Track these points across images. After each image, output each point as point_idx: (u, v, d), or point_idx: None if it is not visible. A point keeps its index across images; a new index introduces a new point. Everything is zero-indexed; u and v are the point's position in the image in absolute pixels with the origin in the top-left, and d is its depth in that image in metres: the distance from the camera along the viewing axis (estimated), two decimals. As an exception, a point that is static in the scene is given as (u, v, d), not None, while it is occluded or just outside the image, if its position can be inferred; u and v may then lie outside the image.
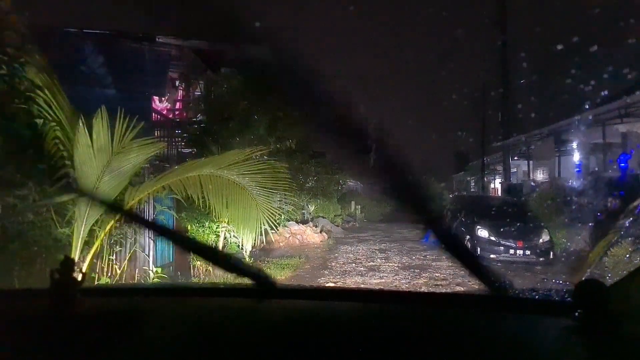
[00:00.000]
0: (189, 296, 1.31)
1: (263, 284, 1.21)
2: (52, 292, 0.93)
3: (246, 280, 1.21)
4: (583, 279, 0.99)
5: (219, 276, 9.10)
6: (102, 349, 0.83)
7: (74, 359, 0.80)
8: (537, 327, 0.96)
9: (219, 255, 1.50)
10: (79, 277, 0.97)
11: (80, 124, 4.23)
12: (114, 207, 3.31)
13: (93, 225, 4.44)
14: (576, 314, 0.91)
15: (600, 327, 0.87)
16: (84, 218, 4.26)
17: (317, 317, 1.07)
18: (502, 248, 11.24)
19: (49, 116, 4.19)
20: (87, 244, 4.55)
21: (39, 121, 4.22)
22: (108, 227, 4.65)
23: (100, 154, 4.30)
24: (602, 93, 15.66)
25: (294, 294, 1.34)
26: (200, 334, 0.94)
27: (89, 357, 0.81)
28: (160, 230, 1.86)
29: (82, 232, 4.26)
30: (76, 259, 4.29)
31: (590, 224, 11.53)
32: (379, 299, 1.31)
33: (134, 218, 2.25)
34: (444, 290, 7.81)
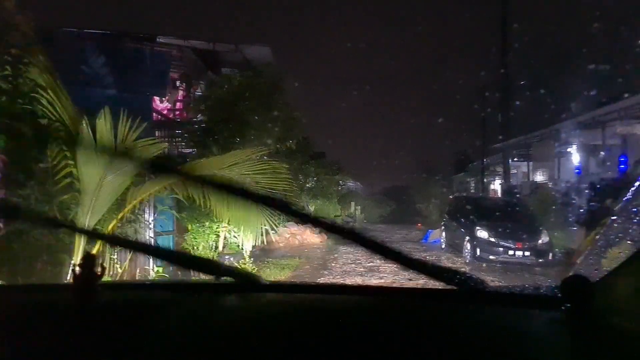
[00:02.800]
0: (203, 291, 1.37)
1: (248, 281, 1.27)
2: (76, 286, 0.99)
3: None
4: (570, 274, 1.04)
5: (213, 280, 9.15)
6: (122, 338, 0.88)
7: (98, 347, 0.85)
8: (527, 320, 1.01)
9: (198, 260, 1.56)
10: (99, 272, 1.03)
11: (84, 124, 4.28)
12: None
13: (96, 224, 4.49)
14: (563, 307, 0.97)
15: (585, 319, 0.93)
16: (86, 217, 4.30)
17: (308, 309, 1.13)
18: (501, 249, 11.29)
19: (52, 116, 4.23)
20: (89, 243, 4.59)
21: (43, 121, 4.26)
22: (110, 226, 4.69)
23: (103, 154, 4.34)
24: (602, 95, 15.71)
25: (281, 289, 1.40)
26: (213, 325, 0.99)
27: (111, 345, 0.86)
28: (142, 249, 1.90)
29: (84, 231, 4.30)
30: (78, 258, 4.34)
31: (589, 225, 11.57)
32: (370, 292, 1.36)
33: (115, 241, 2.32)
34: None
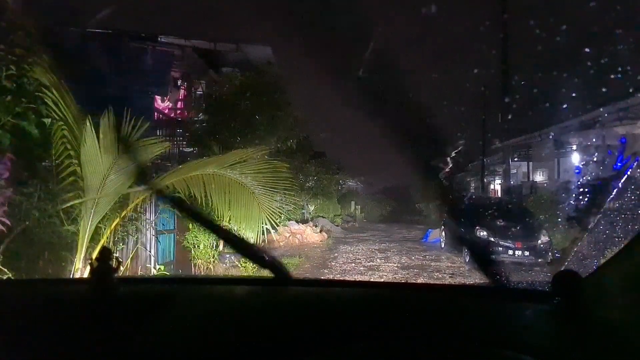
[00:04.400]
0: (212, 284, 1.42)
1: (281, 274, 1.32)
2: (94, 279, 1.03)
3: (266, 272, 1.32)
4: (561, 269, 1.09)
5: (221, 274, 9.20)
6: (141, 328, 0.93)
7: (117, 337, 0.90)
8: (521, 312, 1.07)
9: (247, 246, 1.62)
10: (115, 265, 1.07)
11: (88, 124, 4.32)
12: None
13: (99, 222, 4.53)
14: (554, 301, 1.02)
15: (575, 312, 0.98)
16: (90, 215, 4.35)
17: (327, 301, 1.18)
18: (501, 249, 11.31)
19: (56, 115, 4.28)
20: (92, 241, 4.63)
21: (47, 120, 4.31)
22: (113, 225, 4.74)
23: (106, 153, 4.39)
24: (602, 95, 15.74)
25: (306, 284, 1.46)
26: (222, 316, 1.05)
27: (130, 335, 0.91)
28: (202, 220, 2.10)
29: (88, 230, 4.35)
30: (81, 256, 4.38)
31: (583, 223, 11.63)
32: (383, 287, 1.42)
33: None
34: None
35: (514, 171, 24.40)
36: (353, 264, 11.48)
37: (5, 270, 3.94)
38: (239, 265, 9.68)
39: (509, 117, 20.61)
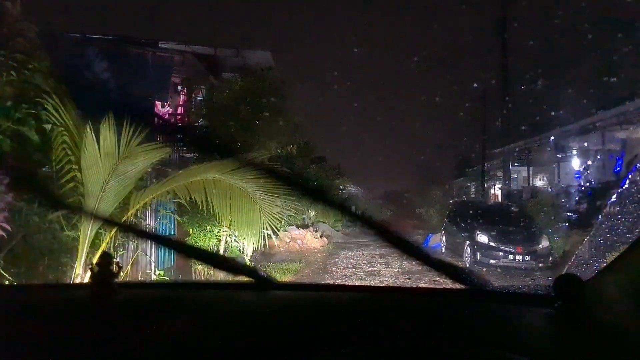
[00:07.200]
0: (213, 289, 1.42)
1: (262, 281, 1.32)
2: (94, 284, 1.03)
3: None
4: (562, 273, 1.09)
5: (221, 279, 9.19)
6: (141, 333, 0.93)
7: (117, 342, 0.90)
8: (522, 316, 1.07)
9: (219, 258, 1.62)
10: (115, 271, 1.07)
11: (88, 129, 4.33)
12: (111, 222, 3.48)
13: (99, 228, 4.53)
14: (556, 305, 1.02)
15: (576, 315, 0.98)
16: (90, 221, 4.34)
17: (313, 305, 1.18)
18: (501, 254, 11.31)
19: (57, 121, 4.28)
20: (92, 246, 4.63)
21: (47, 126, 4.31)
22: (114, 231, 4.73)
23: (107, 158, 4.39)
24: (602, 100, 15.78)
25: (306, 288, 1.46)
26: (222, 322, 1.05)
27: (130, 340, 0.91)
28: (160, 240, 2.14)
29: (88, 235, 4.35)
30: (82, 262, 4.38)
31: (583, 227, 11.63)
32: (382, 291, 1.41)
33: (133, 230, 2.38)
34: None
35: (515, 176, 24.42)
36: (354, 269, 11.46)
37: (6, 275, 3.93)
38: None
39: (509, 121, 20.64)
